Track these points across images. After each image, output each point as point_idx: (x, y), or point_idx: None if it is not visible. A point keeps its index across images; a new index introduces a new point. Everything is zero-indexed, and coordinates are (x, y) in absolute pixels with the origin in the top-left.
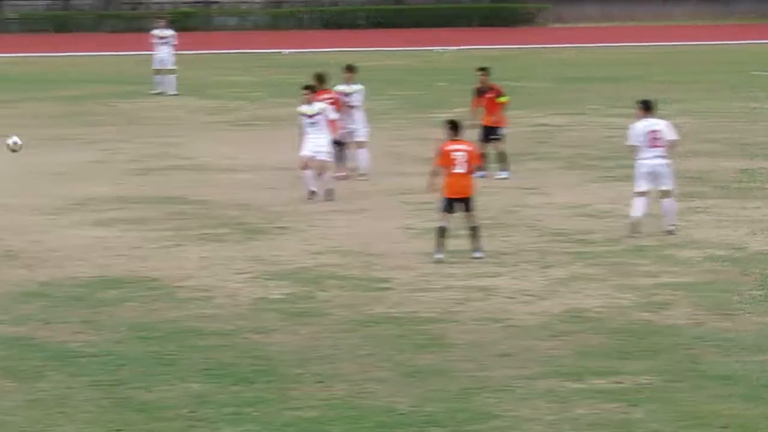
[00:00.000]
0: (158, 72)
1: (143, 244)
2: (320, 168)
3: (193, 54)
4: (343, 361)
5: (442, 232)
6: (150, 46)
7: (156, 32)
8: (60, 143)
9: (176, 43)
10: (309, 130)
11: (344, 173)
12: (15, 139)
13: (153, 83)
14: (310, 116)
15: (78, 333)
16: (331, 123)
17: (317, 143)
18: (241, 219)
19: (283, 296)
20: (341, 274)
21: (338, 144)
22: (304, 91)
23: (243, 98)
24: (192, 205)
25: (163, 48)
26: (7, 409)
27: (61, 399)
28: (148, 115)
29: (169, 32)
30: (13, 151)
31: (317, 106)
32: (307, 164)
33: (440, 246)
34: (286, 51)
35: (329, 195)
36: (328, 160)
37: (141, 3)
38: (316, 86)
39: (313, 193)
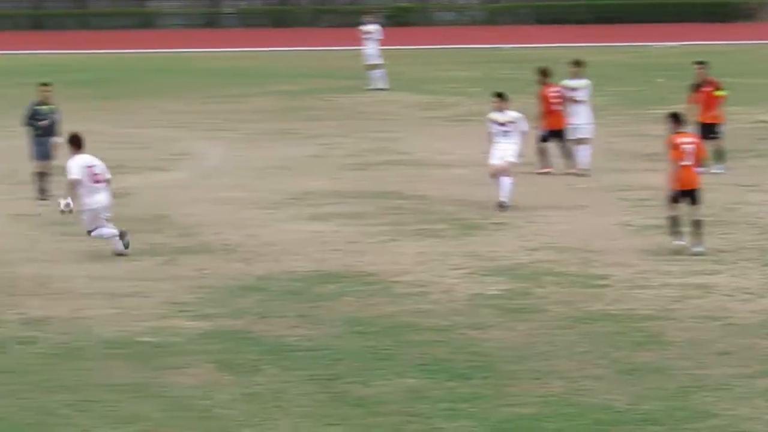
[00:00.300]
0: (369, 67)
1: (360, 239)
2: (505, 170)
3: (411, 49)
4: (560, 358)
5: (674, 219)
6: (359, 42)
7: (362, 28)
8: (279, 138)
9: (381, 38)
10: (499, 137)
11: (573, 170)
12: (68, 201)
13: (368, 79)
14: (501, 124)
15: (295, 327)
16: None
17: (505, 151)
18: (457, 214)
19: (500, 292)
20: (558, 271)
21: (561, 139)
22: (494, 99)
23: (461, 93)
24: (408, 200)
25: (369, 43)
26: (225, 402)
27: (278, 393)
28: (364, 110)
29: (374, 27)
30: (63, 213)
31: (510, 114)
32: (496, 172)
33: (677, 233)
34: (508, 46)
35: (503, 206)
36: (515, 162)
37: None
38: (541, 81)
39: (503, 204)
